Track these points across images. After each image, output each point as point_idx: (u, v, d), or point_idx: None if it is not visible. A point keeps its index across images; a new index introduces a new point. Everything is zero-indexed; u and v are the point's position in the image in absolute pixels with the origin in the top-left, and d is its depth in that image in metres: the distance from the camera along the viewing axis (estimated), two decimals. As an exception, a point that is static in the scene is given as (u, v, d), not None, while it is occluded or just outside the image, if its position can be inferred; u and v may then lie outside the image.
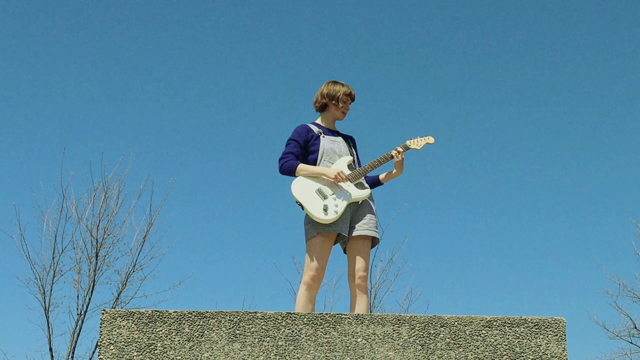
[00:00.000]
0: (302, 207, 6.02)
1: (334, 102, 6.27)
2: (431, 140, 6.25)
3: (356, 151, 6.39)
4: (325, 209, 5.94)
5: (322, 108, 6.34)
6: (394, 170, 6.30)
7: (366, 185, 6.22)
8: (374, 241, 6.19)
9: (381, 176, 6.38)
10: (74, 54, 22.08)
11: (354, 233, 6.07)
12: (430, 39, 23.97)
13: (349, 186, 6.09)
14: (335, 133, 6.35)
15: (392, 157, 6.19)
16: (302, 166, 6.10)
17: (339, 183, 6.05)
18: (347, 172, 6.13)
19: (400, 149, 6.19)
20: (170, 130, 22.26)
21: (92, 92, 21.74)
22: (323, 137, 6.23)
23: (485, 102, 23.40)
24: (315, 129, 6.27)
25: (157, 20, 22.90)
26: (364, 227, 6.08)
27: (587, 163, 23.17)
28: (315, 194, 6.02)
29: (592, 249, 22.20)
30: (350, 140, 6.40)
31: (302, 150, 6.16)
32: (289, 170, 6.11)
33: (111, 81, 22.05)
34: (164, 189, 17.86)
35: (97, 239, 15.22)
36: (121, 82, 22.16)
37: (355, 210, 6.13)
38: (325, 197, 6.00)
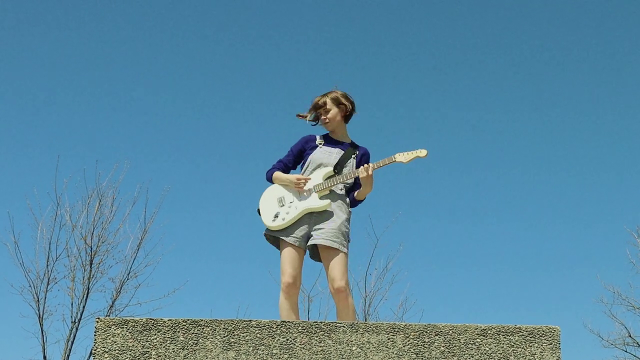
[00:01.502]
0: (259, 214, 6.21)
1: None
2: (422, 153, 6.10)
3: (358, 163, 6.26)
4: (276, 216, 6.11)
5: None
6: (361, 188, 6.18)
7: (335, 196, 6.14)
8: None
9: (354, 194, 6.26)
10: (68, 61, 22.10)
11: (310, 241, 6.06)
12: (426, 45, 24.02)
13: (311, 196, 6.12)
14: (338, 144, 6.33)
15: (358, 174, 6.11)
16: (276, 174, 6.28)
17: (304, 193, 6.13)
18: (316, 182, 6.13)
19: (368, 165, 6.08)
20: (165, 138, 22.28)
21: (86, 99, 21.75)
22: (320, 147, 6.28)
23: (481, 110, 23.45)
24: (318, 139, 6.34)
25: (152, 28, 22.92)
26: (319, 236, 6.02)
27: (582, 171, 23.22)
28: (275, 201, 6.19)
29: (586, 258, 22.24)
30: (355, 153, 6.30)
31: (294, 158, 6.33)
32: (268, 179, 6.33)
33: (105, 89, 22.07)
34: (159, 196, 17.94)
35: (91, 247, 15.22)
36: (115, 89, 22.17)
37: (316, 220, 6.09)
38: (282, 205, 6.16)
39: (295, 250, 6.06)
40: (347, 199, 6.22)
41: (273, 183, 6.29)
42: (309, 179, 6.16)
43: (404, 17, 24.00)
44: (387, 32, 23.84)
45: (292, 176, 6.21)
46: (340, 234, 6.04)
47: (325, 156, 6.23)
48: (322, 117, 6.30)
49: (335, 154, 6.25)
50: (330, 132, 6.37)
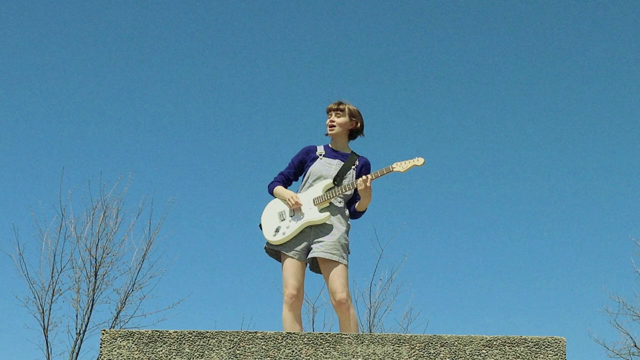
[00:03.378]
0: (261, 228, 6.28)
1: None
2: (420, 162, 6.09)
3: (358, 173, 6.26)
4: (277, 230, 6.16)
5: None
6: (361, 199, 6.18)
7: (334, 209, 6.15)
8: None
9: (356, 205, 6.25)
10: (73, 72, 22.16)
11: (310, 254, 6.08)
12: (429, 52, 24.06)
13: (310, 210, 6.14)
14: (338, 155, 6.33)
15: (357, 185, 6.12)
16: (276, 189, 6.34)
17: (301, 207, 6.14)
18: (316, 195, 6.15)
19: (366, 177, 6.07)
20: (169, 149, 22.30)
21: (91, 110, 21.80)
22: (321, 159, 6.30)
23: (483, 119, 23.46)
24: (319, 150, 6.34)
25: (157, 39, 22.98)
26: (319, 249, 6.04)
27: (587, 180, 23.20)
28: (275, 216, 6.25)
29: (591, 267, 22.20)
30: (355, 164, 6.30)
31: (295, 170, 6.38)
32: (270, 192, 6.39)
33: (110, 100, 22.11)
34: (163, 207, 17.92)
35: (96, 258, 15.20)
36: (120, 100, 22.22)
37: (316, 233, 6.11)
38: (282, 219, 6.21)
39: (297, 263, 6.09)
40: (347, 211, 6.24)
41: (274, 196, 6.35)
42: (300, 204, 6.15)
43: (404, 21, 24.05)
44: (385, 42, 23.88)
45: (287, 194, 6.25)
46: (339, 246, 6.05)
47: (325, 168, 6.24)
48: (330, 119, 6.32)
49: (335, 165, 6.25)
50: (331, 142, 6.37)
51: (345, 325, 5.99)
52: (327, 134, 6.36)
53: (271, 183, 6.38)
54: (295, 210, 6.17)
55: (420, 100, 23.90)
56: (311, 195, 6.18)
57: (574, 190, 22.94)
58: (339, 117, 6.30)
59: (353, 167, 6.27)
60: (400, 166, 6.09)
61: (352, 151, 6.36)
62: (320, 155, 6.30)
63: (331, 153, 6.32)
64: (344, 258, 6.05)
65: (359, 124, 6.35)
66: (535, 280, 21.71)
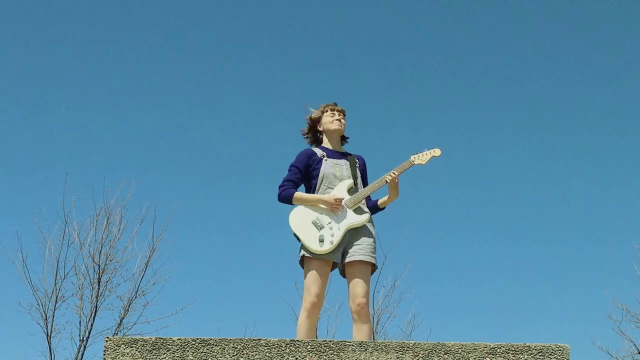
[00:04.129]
0: (298, 239, 6.02)
1: (321, 123, 6.32)
2: (437, 152, 6.06)
3: (364, 173, 6.29)
4: (322, 240, 5.92)
5: (314, 137, 6.37)
6: (389, 195, 6.16)
7: (365, 209, 6.13)
8: (373, 267, 6.06)
9: (379, 201, 6.24)
10: (75, 78, 22.18)
11: (349, 258, 5.98)
12: (433, 51, 24.07)
13: (346, 212, 6.02)
14: (341, 155, 6.27)
15: (386, 181, 6.07)
16: (298, 195, 6.10)
17: (337, 210, 6.00)
18: (346, 197, 6.05)
19: (394, 173, 6.05)
20: (173, 155, 22.31)
21: (94, 117, 21.82)
22: (326, 160, 6.17)
23: (488, 126, 23.45)
24: (319, 152, 6.21)
25: (158, 44, 23.02)
26: (358, 252, 5.96)
27: (590, 187, 23.18)
28: (311, 225, 6.00)
29: (595, 275, 22.17)
30: (357, 162, 6.28)
31: (302, 176, 6.17)
32: (286, 199, 6.11)
33: (112, 106, 22.13)
34: (167, 214, 17.94)
35: (99, 265, 15.21)
36: (123, 107, 22.24)
37: (352, 235, 6.02)
38: (321, 227, 5.98)
39: (325, 270, 5.97)
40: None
41: (292, 204, 6.11)
42: (342, 198, 6.02)
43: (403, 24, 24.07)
44: (382, 45, 23.90)
45: (325, 197, 6.03)
46: (376, 248, 6.08)
47: (336, 169, 6.14)
48: (341, 119, 6.27)
49: (344, 165, 6.19)
50: (328, 142, 6.30)
51: (362, 333, 5.89)
52: (333, 130, 6.27)
53: (285, 189, 6.13)
54: (331, 215, 6.01)
55: (423, 101, 23.91)
56: (339, 198, 6.05)
57: (579, 197, 22.92)
58: (344, 117, 6.30)
59: (356, 165, 6.26)
60: (419, 159, 6.05)
61: (345, 150, 6.33)
62: (323, 156, 6.19)
63: (333, 153, 6.25)
64: (376, 259, 6.05)
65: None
66: (539, 287, 21.69)
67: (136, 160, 21.63)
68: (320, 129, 6.33)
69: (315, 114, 6.35)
